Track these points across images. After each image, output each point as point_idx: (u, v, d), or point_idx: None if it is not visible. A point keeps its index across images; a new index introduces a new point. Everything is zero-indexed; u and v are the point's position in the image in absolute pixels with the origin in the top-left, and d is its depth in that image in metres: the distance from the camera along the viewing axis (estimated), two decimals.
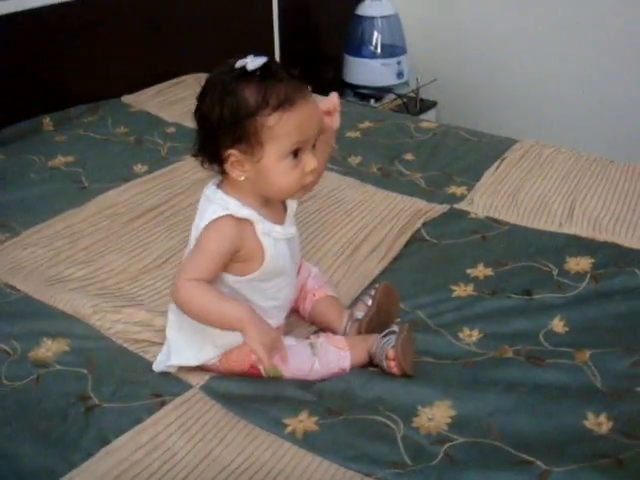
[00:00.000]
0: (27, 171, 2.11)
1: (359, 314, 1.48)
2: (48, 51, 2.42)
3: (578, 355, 1.41)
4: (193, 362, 1.39)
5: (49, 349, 1.45)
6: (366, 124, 2.45)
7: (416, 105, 3.28)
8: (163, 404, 1.32)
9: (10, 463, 1.22)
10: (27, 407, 1.32)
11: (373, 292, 1.49)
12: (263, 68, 1.23)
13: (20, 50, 2.35)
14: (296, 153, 1.25)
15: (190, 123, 2.35)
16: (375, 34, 3.17)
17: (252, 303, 1.34)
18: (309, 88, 1.27)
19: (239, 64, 1.24)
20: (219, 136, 1.24)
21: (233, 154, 1.25)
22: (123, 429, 1.26)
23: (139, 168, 2.14)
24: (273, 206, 1.36)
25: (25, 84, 2.38)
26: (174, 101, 2.58)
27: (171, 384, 1.37)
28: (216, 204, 1.29)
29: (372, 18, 3.16)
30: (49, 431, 1.27)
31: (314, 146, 1.29)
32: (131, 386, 1.36)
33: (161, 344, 1.45)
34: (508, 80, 3.35)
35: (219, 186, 1.33)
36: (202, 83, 1.29)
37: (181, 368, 1.40)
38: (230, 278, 1.33)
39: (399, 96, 3.18)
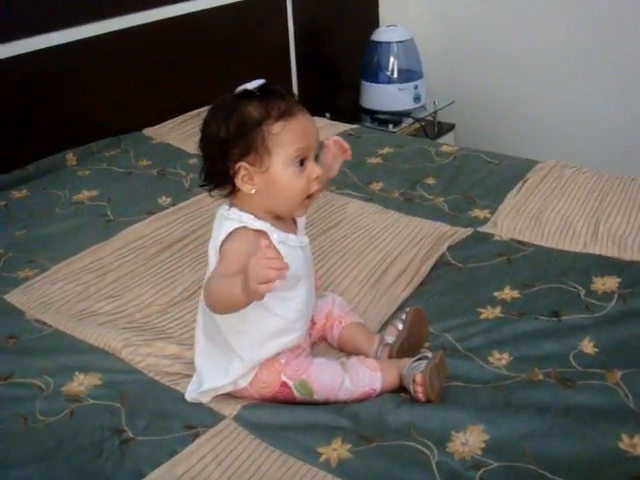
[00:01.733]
0: (52, 206, 2.15)
1: (390, 338, 1.49)
2: (69, 87, 2.46)
3: (609, 376, 1.41)
4: (224, 382, 1.39)
5: (81, 383, 1.47)
6: (386, 150, 2.46)
7: (434, 128, 3.30)
8: (197, 436, 1.33)
9: None
10: (62, 442, 1.33)
11: (404, 316, 1.50)
12: (261, 88, 1.32)
13: (41, 87, 2.39)
14: (301, 162, 1.32)
15: None
16: (391, 59, 3.19)
17: (279, 317, 1.37)
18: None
19: (239, 89, 1.33)
20: (227, 153, 1.30)
21: (243, 166, 1.30)
22: (158, 462, 1.27)
23: (163, 200, 2.16)
24: (284, 221, 1.40)
25: (47, 120, 2.42)
26: (194, 132, 2.55)
27: (204, 415, 1.38)
28: (231, 220, 1.33)
29: (388, 43, 3.19)
30: (85, 466, 1.28)
31: (317, 158, 1.37)
32: (164, 419, 1.37)
33: (192, 376, 1.46)
34: (525, 101, 3.37)
35: (231, 205, 1.37)
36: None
37: (213, 398, 1.41)
38: None
39: (417, 120, 3.19)
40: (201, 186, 1.39)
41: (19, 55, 2.31)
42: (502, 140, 3.32)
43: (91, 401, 1.42)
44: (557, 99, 3.28)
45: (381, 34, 3.21)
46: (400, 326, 1.49)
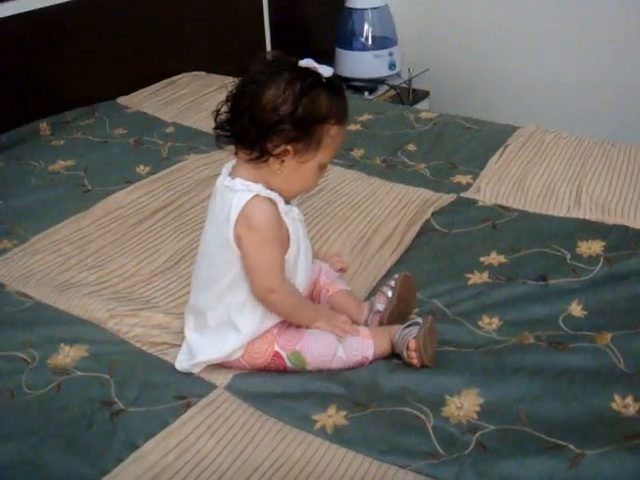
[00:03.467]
0: (28, 177, 2.10)
1: (379, 306, 1.48)
2: (41, 55, 2.40)
3: (599, 338, 1.42)
4: (218, 355, 1.38)
5: (68, 355, 1.44)
6: (365, 116, 2.44)
7: (409, 95, 3.28)
8: (189, 406, 1.31)
9: (39, 472, 1.21)
10: (51, 415, 1.31)
11: (393, 283, 1.50)
12: (329, 77, 1.28)
13: (13, 54, 2.33)
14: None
15: (189, 122, 2.41)
16: (366, 26, 3.16)
17: None
18: None
19: (305, 64, 1.27)
20: (281, 128, 1.25)
21: (289, 150, 1.27)
22: (151, 433, 1.26)
23: (141, 169, 2.12)
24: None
25: (19, 89, 2.36)
26: (170, 101, 2.57)
27: (195, 385, 1.36)
28: (239, 191, 1.30)
29: (362, 10, 3.15)
30: (76, 438, 1.26)
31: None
32: (155, 389, 1.35)
33: (180, 346, 1.44)
34: (500, 67, 3.37)
35: (233, 176, 1.33)
36: (234, 79, 1.31)
37: (204, 368, 1.39)
38: None
39: (392, 87, 3.17)
40: (218, 132, 1.32)
41: None
42: (477, 107, 3.31)
43: (79, 373, 1.40)
44: (532, 65, 3.27)
45: (355, 0, 3.17)
46: (389, 293, 1.48)
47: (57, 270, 1.69)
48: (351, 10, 3.16)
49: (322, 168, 1.34)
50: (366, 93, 3.12)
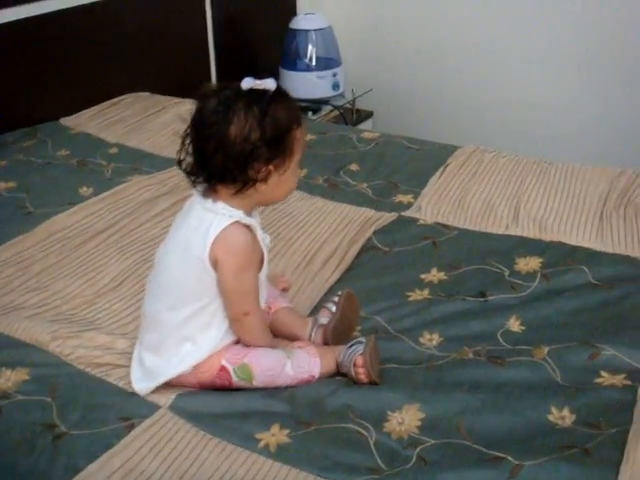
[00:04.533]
0: None
1: (323, 320, 1.51)
2: None
3: (536, 352, 1.46)
4: (176, 372, 1.39)
5: (9, 379, 1.42)
6: (308, 137, 2.46)
7: (353, 116, 3.32)
8: (132, 427, 1.31)
9: None
10: None
11: (336, 299, 1.53)
12: (275, 90, 1.32)
13: None
14: None
15: (132, 143, 2.41)
16: (310, 47, 3.20)
17: None
18: None
19: (248, 85, 1.29)
20: (257, 154, 1.28)
21: (271, 169, 1.31)
22: (94, 455, 1.25)
23: (84, 190, 2.11)
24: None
25: None
26: (114, 121, 2.56)
27: (138, 406, 1.36)
28: (220, 214, 1.32)
29: (306, 31, 3.19)
30: (17, 464, 1.25)
31: None
32: (98, 411, 1.35)
33: (124, 366, 1.44)
34: (443, 88, 3.43)
35: (214, 199, 1.34)
36: (191, 108, 1.33)
37: None
38: None
39: (336, 107, 3.21)
40: (192, 178, 1.34)
41: None
42: (420, 127, 3.36)
43: (20, 397, 1.38)
44: (473, 87, 3.35)
45: (299, 22, 3.21)
46: (333, 308, 1.51)
47: None
48: (295, 31, 3.20)
49: (296, 167, 1.39)
50: (310, 113, 3.15)
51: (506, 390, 1.36)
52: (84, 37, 2.66)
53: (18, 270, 1.75)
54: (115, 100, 2.66)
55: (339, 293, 1.54)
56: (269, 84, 1.31)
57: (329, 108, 3.22)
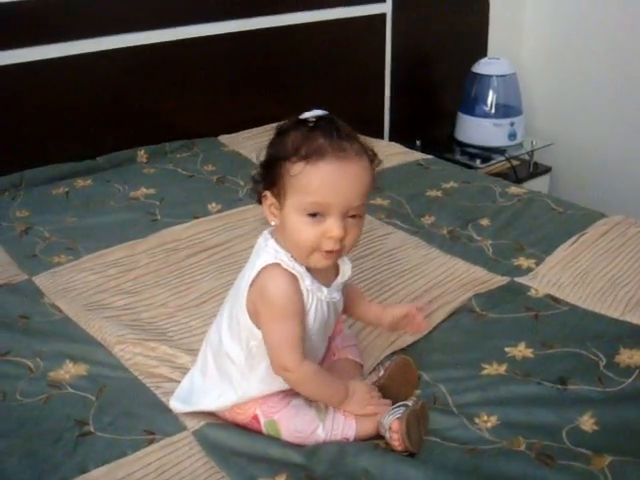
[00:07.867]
0: (108, 199, 2.22)
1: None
2: (151, 86, 2.55)
3: (596, 460, 1.27)
4: (209, 407, 1.38)
5: (68, 371, 1.51)
6: (451, 184, 2.38)
7: (529, 169, 3.17)
8: (152, 442, 1.32)
9: None
10: (26, 424, 1.37)
11: (387, 364, 1.45)
12: (318, 120, 1.23)
13: (124, 83, 2.50)
14: (314, 214, 1.21)
15: None
16: (490, 93, 3.10)
17: None
18: (366, 157, 1.24)
19: (303, 116, 1.26)
20: (262, 177, 1.28)
21: (267, 196, 1.26)
22: (105, 461, 1.28)
23: (213, 207, 2.19)
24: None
25: (127, 116, 2.52)
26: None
27: (167, 423, 1.37)
28: (267, 253, 1.27)
29: (488, 76, 3.10)
30: (38, 451, 1.31)
31: (354, 217, 1.23)
32: (129, 419, 1.38)
33: (176, 381, 1.46)
34: (633, 150, 3.16)
35: (272, 234, 1.31)
36: None
37: None
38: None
39: (507, 159, 3.07)
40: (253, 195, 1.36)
41: (110, 50, 2.42)
42: (602, 190, 3.13)
43: (70, 390, 1.46)
44: None
45: (482, 66, 3.12)
46: (381, 372, 1.43)
47: (93, 290, 1.78)
48: (476, 75, 3.11)
49: (306, 214, 1.21)
50: (478, 161, 3.04)
51: None
52: (262, 59, 2.76)
53: (120, 272, 1.85)
54: (276, 124, 2.73)
55: (394, 358, 1.46)
56: (314, 113, 1.25)
57: (500, 158, 3.09)
